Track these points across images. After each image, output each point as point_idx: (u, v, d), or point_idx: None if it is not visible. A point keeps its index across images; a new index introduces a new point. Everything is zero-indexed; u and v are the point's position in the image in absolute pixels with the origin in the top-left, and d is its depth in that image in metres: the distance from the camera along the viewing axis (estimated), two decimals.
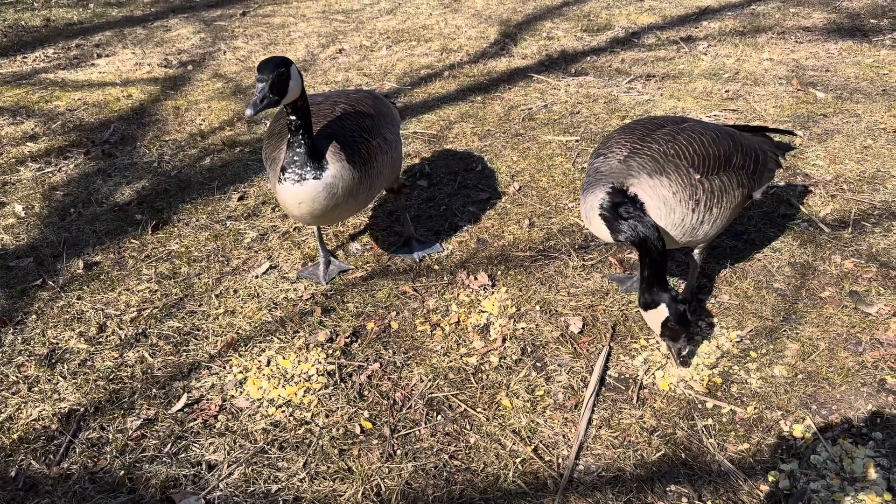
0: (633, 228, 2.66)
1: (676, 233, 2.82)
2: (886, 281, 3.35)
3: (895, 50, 6.03)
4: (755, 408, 2.75)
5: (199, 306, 3.38)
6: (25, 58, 6.86)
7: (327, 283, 3.50)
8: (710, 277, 3.45)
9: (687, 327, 2.77)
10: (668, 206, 2.72)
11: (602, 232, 2.79)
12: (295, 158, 2.88)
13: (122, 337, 3.21)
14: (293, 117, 2.80)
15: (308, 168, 2.88)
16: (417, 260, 3.69)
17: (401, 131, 5.07)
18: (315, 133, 2.98)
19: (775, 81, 5.56)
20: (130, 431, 2.73)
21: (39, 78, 6.35)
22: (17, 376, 3.00)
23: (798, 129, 4.79)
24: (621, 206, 2.69)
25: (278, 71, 2.66)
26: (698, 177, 2.77)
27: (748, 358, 2.98)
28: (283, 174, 2.89)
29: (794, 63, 5.91)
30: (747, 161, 2.98)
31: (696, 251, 3.16)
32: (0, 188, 4.47)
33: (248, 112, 2.65)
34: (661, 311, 2.72)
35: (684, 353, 2.93)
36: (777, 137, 3.39)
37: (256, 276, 3.58)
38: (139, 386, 2.94)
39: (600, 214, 2.74)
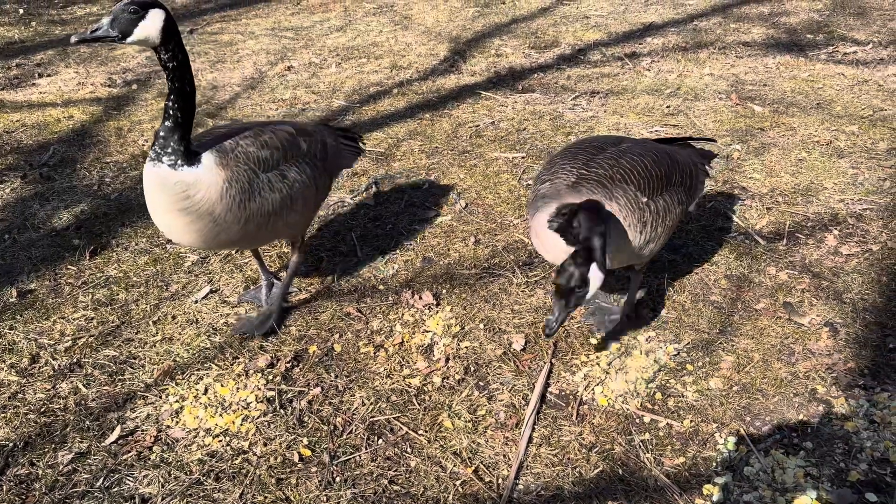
0: (588, 230, 2.51)
1: (624, 256, 2.86)
2: (818, 291, 3.45)
3: (829, 64, 6.24)
4: (691, 421, 2.79)
5: (137, 334, 3.31)
6: None
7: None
8: (648, 291, 3.51)
9: (579, 300, 2.55)
10: (617, 231, 2.76)
11: (550, 251, 2.77)
12: (160, 133, 2.64)
13: (56, 367, 3.12)
14: (166, 74, 2.62)
15: (170, 150, 2.64)
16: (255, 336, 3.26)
17: None
18: (203, 143, 2.80)
19: (715, 96, 5.71)
20: (61, 466, 2.65)
21: None
22: None
23: (736, 142, 4.92)
24: (572, 218, 2.61)
25: (130, 8, 2.48)
26: (645, 200, 2.82)
27: (685, 371, 3.03)
28: (152, 147, 2.68)
29: (733, 78, 6.07)
30: (684, 178, 3.06)
31: (637, 267, 3.21)
32: None
33: (73, 39, 2.51)
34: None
35: (554, 319, 2.58)
36: (700, 145, 3.48)
37: (196, 301, 3.52)
38: (72, 418, 2.86)
39: (549, 226, 2.69)
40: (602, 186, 2.78)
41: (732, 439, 2.70)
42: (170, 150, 2.65)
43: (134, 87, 6.40)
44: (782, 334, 3.21)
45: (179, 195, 2.68)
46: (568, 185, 2.81)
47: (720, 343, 3.17)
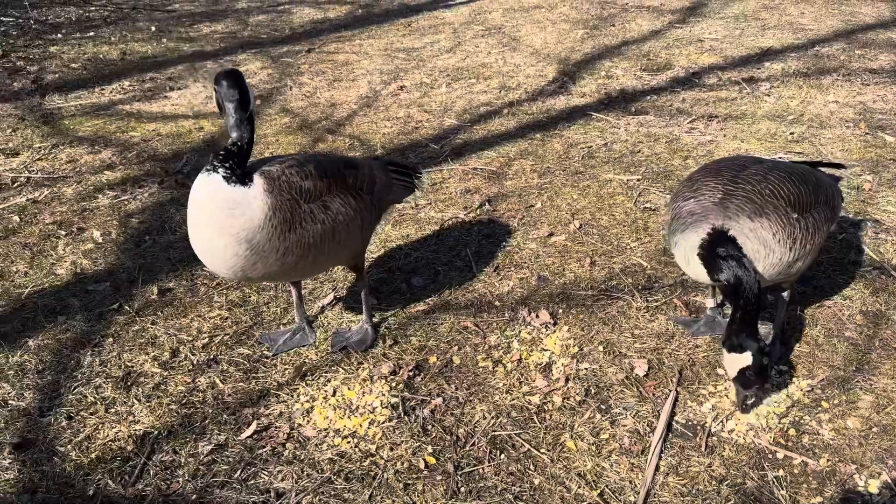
0: (731, 269, 2.65)
1: (773, 272, 2.83)
2: None
3: None
4: (828, 460, 2.67)
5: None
6: (103, 90, 7.21)
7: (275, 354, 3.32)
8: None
9: (763, 382, 2.74)
10: (767, 247, 2.74)
11: (700, 273, 2.81)
12: (220, 151, 2.63)
13: (194, 362, 3.31)
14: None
15: (228, 165, 2.61)
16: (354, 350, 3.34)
17: (456, 166, 5.15)
18: (253, 166, 2.81)
19: (842, 124, 5.48)
20: (202, 456, 2.80)
21: (116, 109, 6.67)
22: (94, 397, 3.12)
23: (867, 173, 4.70)
24: (721, 246, 2.69)
25: (239, 87, 2.60)
26: (796, 216, 2.78)
27: (820, 408, 2.91)
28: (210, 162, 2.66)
29: (861, 106, 5.81)
30: (828, 197, 3.02)
31: (786, 289, 3.14)
32: (80, 214, 4.69)
33: (234, 135, 2.60)
34: (744, 358, 2.69)
35: (749, 402, 2.89)
36: (828, 171, 3.41)
37: (322, 307, 3.66)
38: (210, 411, 3.02)
39: (699, 255, 2.75)
40: (752, 202, 2.75)
41: (875, 482, 2.56)
42: (228, 165, 2.62)
43: (257, 102, 6.75)
44: None
45: (226, 212, 2.61)
46: (714, 203, 2.79)
47: (857, 381, 3.03)
